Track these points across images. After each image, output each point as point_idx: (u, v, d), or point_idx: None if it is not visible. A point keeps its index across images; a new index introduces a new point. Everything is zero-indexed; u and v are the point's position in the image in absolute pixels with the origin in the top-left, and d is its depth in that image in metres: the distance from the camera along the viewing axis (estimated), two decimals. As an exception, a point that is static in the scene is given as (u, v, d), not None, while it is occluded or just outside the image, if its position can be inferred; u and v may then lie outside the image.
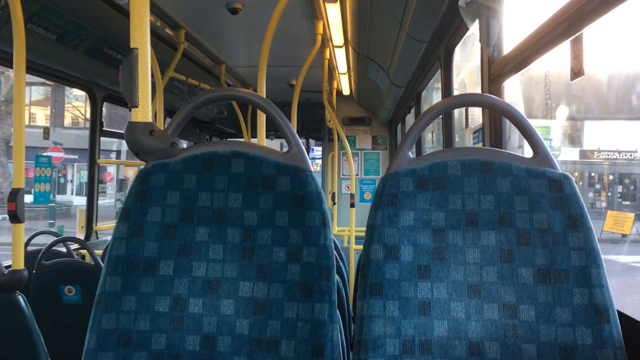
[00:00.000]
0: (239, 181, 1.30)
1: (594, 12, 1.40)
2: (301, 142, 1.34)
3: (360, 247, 1.29)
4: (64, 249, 3.53)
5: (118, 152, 20.86)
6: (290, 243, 1.26)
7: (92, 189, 4.41)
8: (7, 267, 2.17)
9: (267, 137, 2.66)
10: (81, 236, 4.33)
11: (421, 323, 1.19)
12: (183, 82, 4.80)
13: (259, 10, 3.58)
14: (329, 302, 1.21)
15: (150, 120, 1.28)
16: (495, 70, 2.14)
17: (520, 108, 1.30)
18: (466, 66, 3.36)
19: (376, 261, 1.22)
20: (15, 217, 2.18)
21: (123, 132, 1.30)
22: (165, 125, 1.34)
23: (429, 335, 1.19)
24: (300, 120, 4.10)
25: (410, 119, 5.97)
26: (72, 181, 24.81)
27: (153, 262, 1.26)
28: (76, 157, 22.83)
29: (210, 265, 1.27)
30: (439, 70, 3.28)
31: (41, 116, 24.86)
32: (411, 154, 1.32)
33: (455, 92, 3.18)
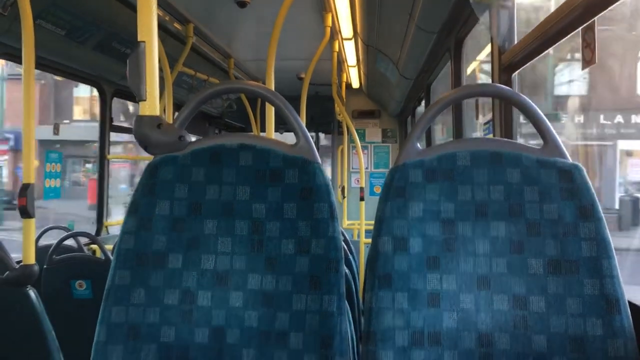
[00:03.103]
0: (247, 174, 1.30)
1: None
2: (309, 134, 1.34)
3: (370, 240, 1.29)
4: (75, 244, 3.54)
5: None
6: (299, 235, 1.25)
7: (102, 185, 4.42)
8: (18, 262, 2.19)
9: (276, 130, 2.65)
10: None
11: (430, 315, 1.19)
12: (192, 77, 4.80)
13: (267, 3, 3.57)
14: (338, 294, 1.21)
15: (157, 113, 1.27)
16: (506, 60, 2.12)
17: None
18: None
19: (385, 253, 1.22)
20: (25, 212, 2.19)
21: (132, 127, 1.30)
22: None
23: (438, 327, 1.18)
24: (309, 113, 4.08)
25: (420, 111, 5.94)
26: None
27: (162, 256, 1.26)
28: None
29: (219, 258, 1.27)
30: (449, 61, 3.26)
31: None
32: (420, 146, 1.31)
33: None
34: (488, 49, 2.34)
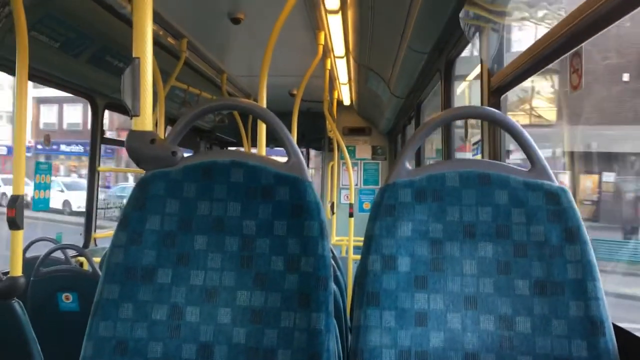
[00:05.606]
0: (238, 190, 1.31)
1: (593, 26, 1.41)
2: (300, 152, 1.35)
3: (359, 257, 1.30)
4: (62, 257, 3.52)
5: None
6: (289, 253, 1.26)
7: (91, 196, 4.41)
8: (5, 273, 2.17)
9: (267, 146, 2.66)
10: None
11: (417, 334, 1.19)
12: (184, 91, 4.81)
13: (261, 20, 3.60)
14: (326, 312, 1.21)
15: (151, 129, 1.28)
16: (495, 82, 2.15)
17: None
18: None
19: (373, 271, 1.23)
20: (14, 224, 2.18)
21: (124, 140, 1.31)
22: (166, 134, 1.34)
23: (425, 346, 1.19)
24: (300, 129, 4.10)
25: (410, 129, 5.98)
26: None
27: (151, 271, 1.26)
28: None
29: (208, 274, 1.27)
30: (440, 81, 3.30)
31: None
32: (409, 165, 1.33)
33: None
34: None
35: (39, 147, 23.28)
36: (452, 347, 1.19)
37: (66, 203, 17.27)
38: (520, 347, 1.18)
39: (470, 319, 1.21)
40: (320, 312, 1.21)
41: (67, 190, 17.78)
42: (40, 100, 24.35)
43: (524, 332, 1.19)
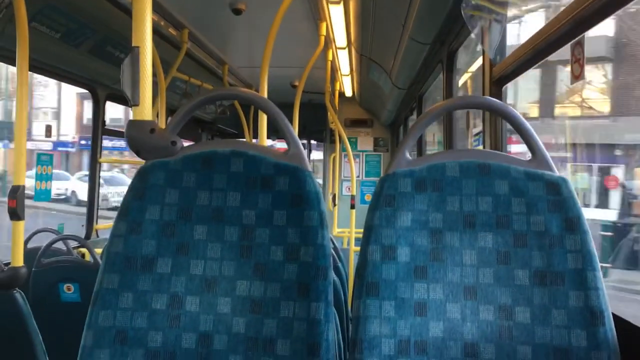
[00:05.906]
0: (238, 180, 1.31)
1: (595, 15, 1.40)
2: (301, 142, 1.34)
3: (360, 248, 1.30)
4: (64, 247, 3.52)
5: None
6: (288, 242, 1.26)
7: (92, 188, 4.41)
8: (7, 264, 2.18)
9: (268, 137, 2.66)
10: None
11: (417, 323, 1.20)
12: (185, 82, 4.80)
13: (262, 10, 3.58)
14: (325, 302, 1.21)
15: (151, 118, 1.28)
16: (497, 73, 2.14)
17: None
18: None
19: (373, 261, 1.23)
20: (15, 214, 2.18)
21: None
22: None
23: (424, 336, 1.19)
24: (302, 121, 4.09)
25: (412, 121, 5.96)
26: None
27: (151, 260, 1.26)
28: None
29: (208, 264, 1.27)
30: (441, 72, 3.29)
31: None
32: (411, 156, 1.32)
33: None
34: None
35: (82, 142, 23.49)
36: (452, 336, 1.19)
37: (103, 197, 17.54)
38: (519, 337, 1.19)
39: (470, 309, 1.21)
40: (320, 302, 1.21)
41: (106, 185, 17.89)
42: (83, 97, 24.31)
43: (524, 322, 1.19)
